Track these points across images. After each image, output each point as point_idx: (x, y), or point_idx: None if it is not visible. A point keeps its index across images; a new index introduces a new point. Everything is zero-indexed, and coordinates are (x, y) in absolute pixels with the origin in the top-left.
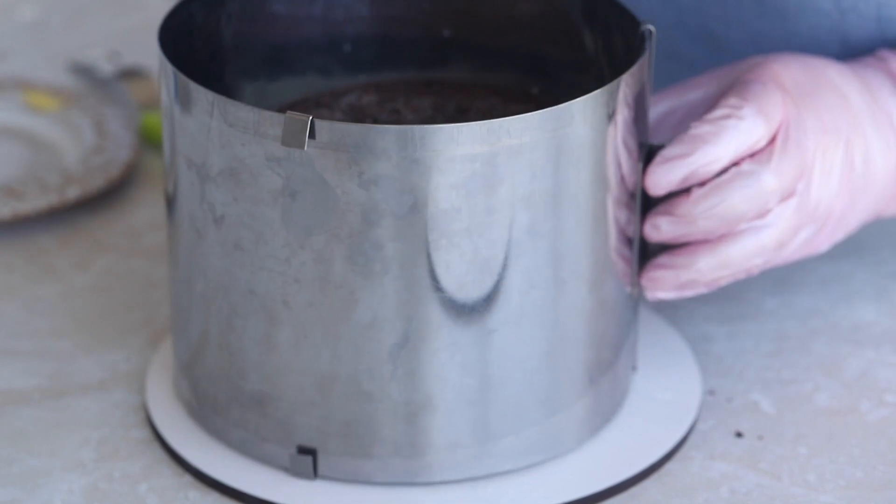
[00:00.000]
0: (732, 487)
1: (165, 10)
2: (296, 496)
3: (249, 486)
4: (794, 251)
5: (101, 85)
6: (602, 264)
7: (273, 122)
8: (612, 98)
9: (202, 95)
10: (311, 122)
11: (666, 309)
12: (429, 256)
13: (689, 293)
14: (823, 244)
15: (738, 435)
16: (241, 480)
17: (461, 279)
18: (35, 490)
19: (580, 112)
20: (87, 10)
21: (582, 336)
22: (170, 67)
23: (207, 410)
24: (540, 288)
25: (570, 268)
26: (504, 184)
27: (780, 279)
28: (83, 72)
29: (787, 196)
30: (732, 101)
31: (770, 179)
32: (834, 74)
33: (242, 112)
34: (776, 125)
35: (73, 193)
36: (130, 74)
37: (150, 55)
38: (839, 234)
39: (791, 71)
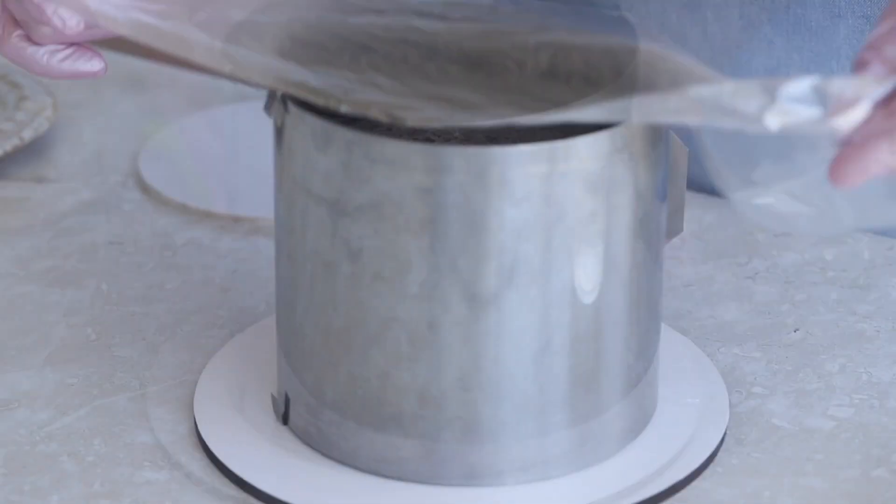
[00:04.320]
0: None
1: None
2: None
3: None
4: None
5: None
6: (637, 277)
7: (423, 155)
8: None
9: (341, 135)
10: (282, 96)
11: (688, 331)
12: (571, 263)
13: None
14: None
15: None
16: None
17: (596, 281)
18: None
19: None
20: None
21: (619, 343)
22: (295, 111)
23: (332, 433)
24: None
25: (615, 274)
26: (619, 182)
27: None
28: None
29: None
30: None
31: None
32: None
33: (389, 147)
34: None
35: None
36: None
37: None
38: None
39: None
